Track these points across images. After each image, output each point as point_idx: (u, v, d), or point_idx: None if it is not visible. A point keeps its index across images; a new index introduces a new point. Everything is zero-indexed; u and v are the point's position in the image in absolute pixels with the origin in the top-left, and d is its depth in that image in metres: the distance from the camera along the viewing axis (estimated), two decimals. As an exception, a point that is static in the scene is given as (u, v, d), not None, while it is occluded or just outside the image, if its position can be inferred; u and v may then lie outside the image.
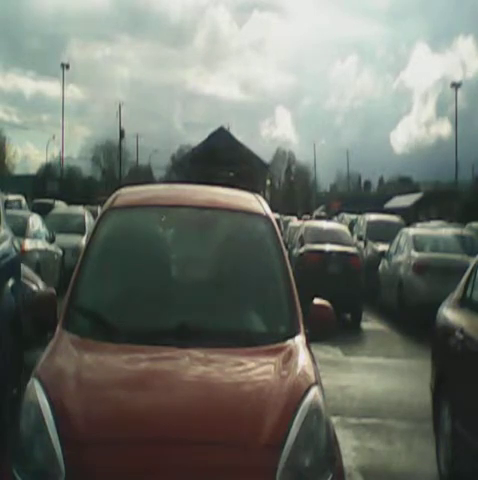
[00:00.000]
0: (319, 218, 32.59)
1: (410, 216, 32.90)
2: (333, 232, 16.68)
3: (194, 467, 3.06)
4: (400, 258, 15.17)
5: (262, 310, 4.12)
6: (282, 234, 6.82)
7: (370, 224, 20.60)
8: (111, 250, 4.42)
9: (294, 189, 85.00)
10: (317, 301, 4.26)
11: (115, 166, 70.54)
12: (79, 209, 22.20)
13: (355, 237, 19.53)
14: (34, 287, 8.53)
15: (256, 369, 3.65)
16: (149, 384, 3.44)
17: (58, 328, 3.88)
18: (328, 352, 10.54)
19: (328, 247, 15.23)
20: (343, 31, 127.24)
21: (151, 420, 3.18)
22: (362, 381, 9.42)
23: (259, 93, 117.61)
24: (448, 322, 6.07)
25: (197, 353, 3.62)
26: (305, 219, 32.55)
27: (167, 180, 58.10)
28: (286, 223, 31.23)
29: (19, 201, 29.82)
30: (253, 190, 5.42)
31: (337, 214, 36.19)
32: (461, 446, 5.31)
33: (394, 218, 22.82)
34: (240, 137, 66.88)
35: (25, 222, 14.18)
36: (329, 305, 4.25)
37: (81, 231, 17.66)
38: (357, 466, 6.01)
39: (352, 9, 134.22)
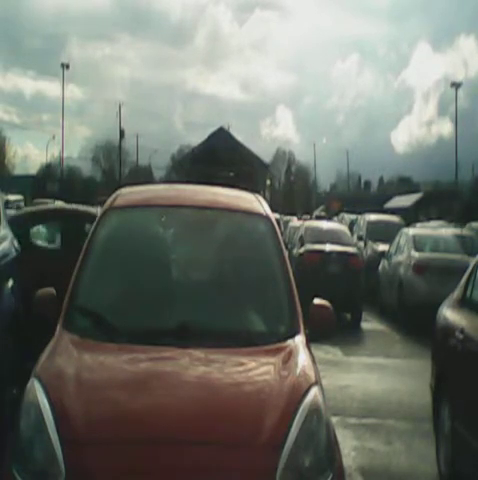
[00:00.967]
0: (319, 218, 32.59)
1: (410, 216, 32.88)
2: (333, 232, 16.68)
3: (194, 467, 3.06)
4: (400, 258, 15.17)
5: (262, 310, 4.12)
6: (282, 234, 6.81)
7: (370, 224, 20.60)
8: (111, 250, 4.42)
9: (294, 189, 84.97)
10: (317, 301, 4.26)
11: (115, 166, 70.52)
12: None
13: (355, 237, 19.53)
14: None
15: (256, 369, 3.65)
16: (149, 384, 3.44)
17: (58, 328, 3.88)
18: (328, 352, 10.55)
19: (328, 247, 15.23)
20: (344, 30, 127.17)
21: (151, 420, 3.18)
22: (362, 381, 9.42)
23: (259, 93, 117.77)
24: (448, 322, 6.07)
25: (197, 353, 3.62)
26: (305, 219, 32.53)
27: (167, 180, 58.09)
28: (286, 223, 31.22)
29: (19, 201, 29.88)
30: (253, 190, 5.41)
31: (337, 214, 36.19)
32: (461, 446, 5.31)
33: (394, 218, 22.83)
34: (240, 137, 66.93)
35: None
36: (329, 305, 4.25)
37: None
38: (357, 466, 6.01)
39: (353, 8, 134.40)
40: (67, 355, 3.63)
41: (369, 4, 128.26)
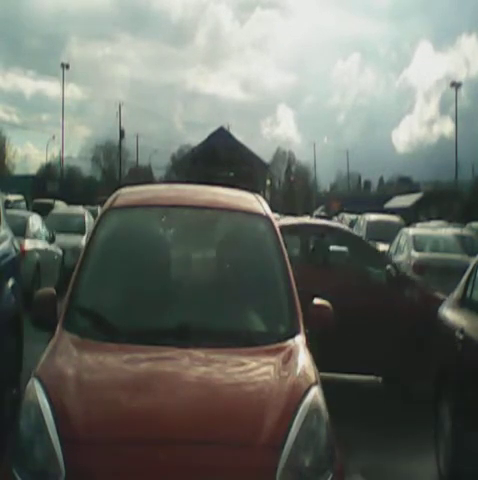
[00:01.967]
0: (319, 218, 32.56)
1: (410, 216, 32.90)
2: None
3: (194, 467, 3.06)
4: (400, 258, 15.17)
5: (262, 310, 4.12)
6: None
7: (370, 224, 20.63)
8: (111, 250, 4.42)
9: (294, 189, 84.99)
10: (317, 301, 4.26)
11: (115, 166, 70.54)
12: (79, 209, 22.21)
13: (355, 237, 19.50)
14: None
15: (256, 369, 3.65)
16: (149, 384, 3.43)
17: (58, 328, 3.88)
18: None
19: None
20: (345, 29, 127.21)
21: (151, 420, 3.18)
22: (362, 381, 9.40)
23: (260, 92, 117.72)
24: (448, 322, 6.07)
25: (197, 353, 3.62)
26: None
27: (167, 180, 58.12)
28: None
29: (19, 201, 29.86)
30: (253, 190, 5.41)
31: (337, 214, 36.21)
32: (461, 446, 5.31)
33: (394, 218, 22.88)
34: (240, 137, 67.03)
35: (25, 222, 14.18)
36: (329, 305, 4.25)
37: (81, 231, 17.66)
38: (357, 466, 6.00)
39: (354, 7, 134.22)
40: (67, 355, 3.63)
41: (370, 3, 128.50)
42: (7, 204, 19.74)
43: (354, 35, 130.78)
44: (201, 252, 4.55)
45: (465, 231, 18.45)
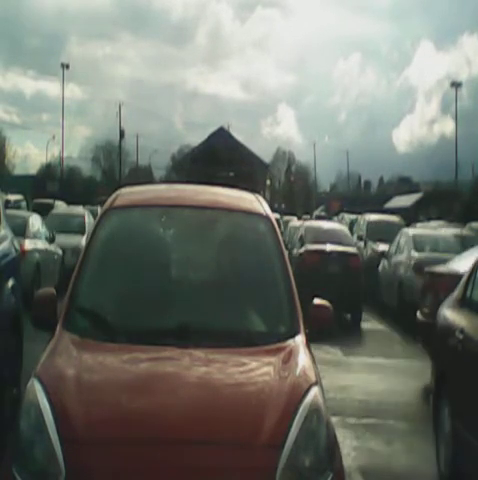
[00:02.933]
0: (319, 218, 32.59)
1: (410, 216, 32.87)
2: (333, 232, 16.68)
3: (194, 467, 3.06)
4: (400, 258, 15.17)
5: (262, 310, 4.12)
6: (282, 234, 6.80)
7: (370, 224, 20.60)
8: (111, 250, 4.42)
9: (294, 189, 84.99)
10: (317, 301, 4.26)
11: (115, 166, 70.56)
12: (79, 209, 22.21)
13: (355, 237, 19.53)
14: None
15: (256, 369, 3.65)
16: (149, 384, 3.44)
17: (58, 328, 3.88)
18: (328, 352, 10.54)
19: (328, 247, 15.23)
20: (346, 29, 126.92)
21: (151, 420, 3.19)
22: (362, 381, 9.42)
23: (260, 92, 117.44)
24: (448, 322, 6.07)
25: (197, 353, 3.62)
26: (305, 219, 32.53)
27: (167, 180, 58.09)
28: (286, 223, 31.23)
29: (19, 201, 29.86)
30: (253, 190, 5.41)
31: (337, 214, 36.21)
32: (461, 446, 5.31)
33: (394, 218, 22.83)
34: (241, 137, 67.05)
35: (25, 222, 14.19)
36: (329, 305, 4.25)
37: (81, 231, 17.67)
38: (357, 466, 6.01)
39: (355, 7, 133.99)
40: (67, 355, 3.63)
41: (371, 3, 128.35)
42: (7, 204, 19.74)
43: (355, 34, 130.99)
44: (201, 252, 4.54)
45: (465, 231, 18.43)
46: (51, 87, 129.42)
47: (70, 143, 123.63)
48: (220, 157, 56.28)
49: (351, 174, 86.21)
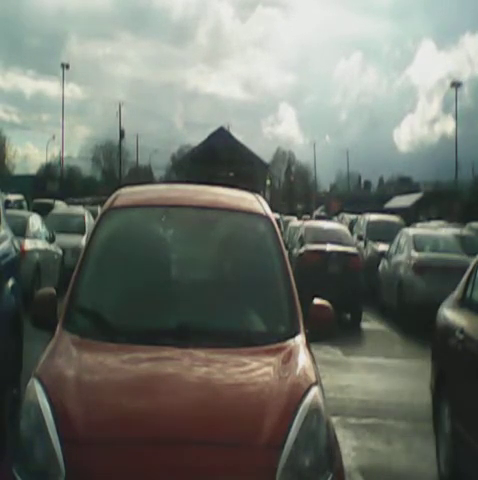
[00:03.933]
0: (319, 218, 32.59)
1: (410, 216, 32.89)
2: (333, 232, 16.68)
3: (194, 467, 3.06)
4: (400, 258, 15.17)
5: (262, 310, 4.12)
6: (282, 234, 6.80)
7: (370, 224, 20.59)
8: (111, 250, 4.42)
9: (294, 189, 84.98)
10: (317, 301, 4.26)
11: (115, 166, 70.59)
12: (79, 209, 22.21)
13: (355, 237, 19.53)
14: None
15: (256, 369, 3.65)
16: (149, 384, 3.44)
17: (58, 328, 3.88)
18: (328, 352, 10.54)
19: (328, 247, 15.23)
20: (347, 28, 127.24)
21: (151, 420, 3.19)
22: (362, 381, 9.43)
23: (261, 92, 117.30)
24: (448, 322, 6.07)
25: (197, 353, 3.62)
26: (305, 219, 32.53)
27: (167, 180, 58.12)
28: (286, 223, 31.22)
29: (19, 201, 29.85)
30: (253, 190, 5.41)
31: (337, 214, 36.21)
32: (461, 446, 5.31)
33: (394, 218, 22.81)
34: (241, 137, 67.08)
35: (25, 222, 14.18)
36: (329, 305, 4.25)
37: (81, 231, 17.66)
38: (357, 466, 6.01)
39: (356, 6, 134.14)
40: (67, 355, 3.63)
41: (372, 2, 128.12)
42: (7, 204, 19.74)
43: (356, 34, 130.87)
44: (201, 252, 4.54)
45: (465, 231, 18.43)
46: (51, 87, 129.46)
47: (70, 143, 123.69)
48: (220, 157, 56.24)
49: (351, 174, 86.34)
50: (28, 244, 13.43)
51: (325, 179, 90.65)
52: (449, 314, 6.16)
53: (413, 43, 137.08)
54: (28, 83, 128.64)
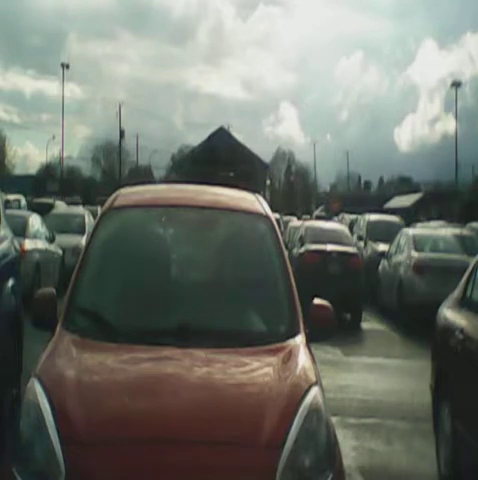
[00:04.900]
0: (319, 218, 32.57)
1: (410, 216, 32.88)
2: (333, 232, 16.68)
3: (194, 467, 3.06)
4: (400, 258, 15.18)
5: (262, 310, 4.12)
6: (282, 234, 6.80)
7: (370, 224, 20.59)
8: (111, 250, 4.42)
9: (294, 189, 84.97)
10: (317, 301, 4.26)
11: (115, 166, 70.54)
12: (79, 209, 22.21)
13: (355, 237, 19.53)
14: None
15: (256, 369, 3.65)
16: (149, 384, 3.43)
17: (58, 328, 3.88)
18: (328, 352, 10.53)
19: (328, 247, 15.23)
20: (348, 27, 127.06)
21: (151, 420, 3.19)
22: (362, 381, 9.43)
23: (261, 91, 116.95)
24: (448, 322, 6.07)
25: (197, 353, 3.62)
26: (305, 219, 32.52)
27: (167, 180, 58.09)
28: (286, 223, 31.21)
29: (19, 201, 29.82)
30: (253, 190, 5.41)
31: (337, 214, 36.20)
32: (461, 446, 5.31)
33: (394, 218, 22.82)
34: (241, 137, 67.14)
35: (25, 222, 14.18)
36: (329, 305, 4.25)
37: (81, 231, 17.67)
38: (357, 466, 6.01)
39: (357, 5, 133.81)
40: (67, 355, 3.63)
41: (374, 1, 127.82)
42: (7, 204, 19.73)
43: (357, 33, 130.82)
44: (201, 252, 4.54)
45: (465, 231, 18.43)
46: (51, 87, 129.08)
47: (70, 143, 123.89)
48: (220, 157, 56.29)
49: (351, 174, 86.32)
50: (28, 244, 13.42)
51: (325, 179, 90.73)
52: (449, 314, 6.16)
53: (414, 42, 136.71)
54: (28, 83, 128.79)
